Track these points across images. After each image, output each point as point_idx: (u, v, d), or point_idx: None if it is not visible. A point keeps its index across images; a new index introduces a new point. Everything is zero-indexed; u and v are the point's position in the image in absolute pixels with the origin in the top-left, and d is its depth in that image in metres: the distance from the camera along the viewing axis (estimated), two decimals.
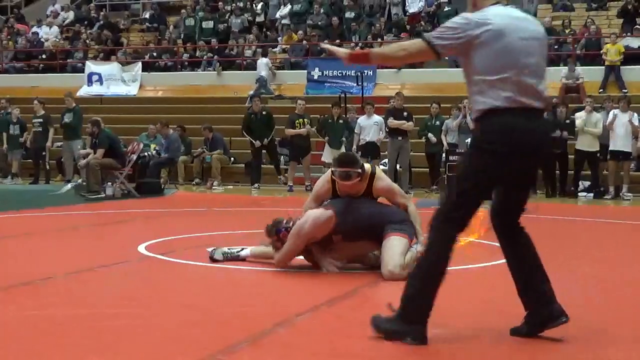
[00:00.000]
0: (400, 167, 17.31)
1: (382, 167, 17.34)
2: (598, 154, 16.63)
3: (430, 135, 17.80)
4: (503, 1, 4.47)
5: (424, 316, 4.33)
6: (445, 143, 17.44)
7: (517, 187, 4.52)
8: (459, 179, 4.48)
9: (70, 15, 30.77)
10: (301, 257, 6.90)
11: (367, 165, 6.91)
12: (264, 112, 18.65)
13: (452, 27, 4.36)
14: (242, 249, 7.23)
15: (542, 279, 4.49)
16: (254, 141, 18.23)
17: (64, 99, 19.48)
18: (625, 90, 20.09)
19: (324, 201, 6.88)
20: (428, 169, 18.11)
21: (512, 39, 4.27)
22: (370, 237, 6.62)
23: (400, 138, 17.25)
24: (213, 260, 7.12)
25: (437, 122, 17.90)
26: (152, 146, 18.09)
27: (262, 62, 23.58)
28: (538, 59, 4.37)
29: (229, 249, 7.24)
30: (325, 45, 5.18)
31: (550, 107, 4.37)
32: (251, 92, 22.84)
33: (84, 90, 24.84)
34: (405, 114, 17.40)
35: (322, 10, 25.92)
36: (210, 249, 7.32)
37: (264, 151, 18.58)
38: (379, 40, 24.35)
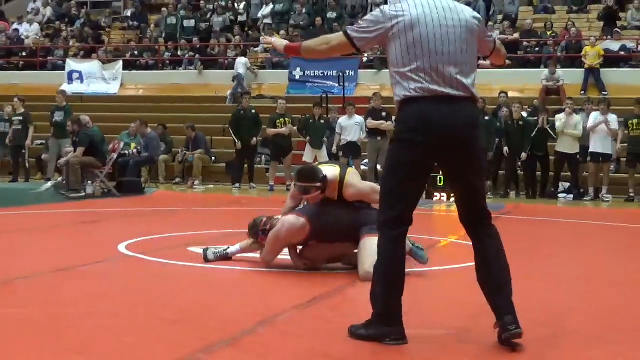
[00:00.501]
0: (381, 167, 17.33)
1: (363, 167, 17.39)
2: (578, 156, 16.72)
3: None
4: None
5: (396, 316, 4.35)
6: None
7: (458, 182, 4.43)
8: (385, 178, 4.46)
9: (51, 12, 30.61)
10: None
11: (334, 173, 6.63)
12: (252, 111, 18.62)
13: (369, 20, 4.41)
14: (229, 247, 7.22)
15: (498, 287, 4.35)
16: (237, 140, 18.20)
17: (56, 97, 19.43)
18: (605, 93, 20.21)
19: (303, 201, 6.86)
20: None
21: (427, 28, 4.24)
22: (345, 239, 6.61)
23: (379, 138, 17.28)
24: (207, 261, 7.08)
25: None
26: (133, 145, 18.03)
27: (241, 61, 23.55)
28: (458, 47, 4.28)
29: (215, 248, 7.22)
30: (266, 38, 5.18)
31: (477, 98, 4.30)
32: (230, 91, 22.83)
33: (65, 88, 24.69)
34: (384, 114, 17.44)
35: (304, 10, 25.92)
36: (201, 250, 7.27)
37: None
38: None
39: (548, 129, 16.73)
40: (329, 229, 6.57)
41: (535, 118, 17.21)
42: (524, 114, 17.32)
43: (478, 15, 4.51)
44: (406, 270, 6.53)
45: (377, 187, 6.65)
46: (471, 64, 4.37)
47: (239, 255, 7.19)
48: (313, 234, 6.56)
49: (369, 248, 6.38)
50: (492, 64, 4.79)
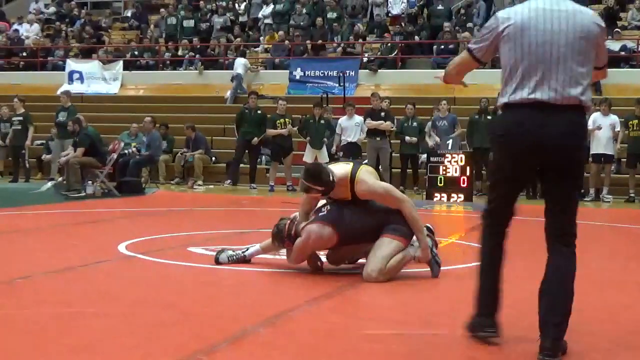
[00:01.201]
0: (380, 168, 17.32)
1: None
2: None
3: (407, 137, 17.71)
4: None
5: (489, 308, 4.41)
6: (430, 143, 17.35)
7: (547, 191, 4.35)
8: (488, 174, 4.62)
9: (52, 12, 30.63)
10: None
11: (345, 170, 6.56)
12: (259, 111, 18.60)
13: (484, 28, 4.44)
14: (247, 248, 7.17)
15: (550, 310, 4.19)
16: (237, 136, 18.27)
17: (60, 97, 19.46)
18: (599, 92, 20.18)
19: (318, 202, 6.79)
20: (408, 170, 18.01)
21: (536, 33, 4.18)
22: (371, 239, 6.51)
23: (378, 139, 17.28)
24: (218, 263, 7.02)
25: (414, 123, 17.86)
26: (133, 144, 18.02)
27: (240, 61, 23.55)
28: (568, 54, 4.18)
29: (233, 251, 7.17)
30: (436, 76, 5.17)
31: (588, 105, 4.30)
32: (230, 92, 22.83)
33: (65, 89, 24.70)
34: (382, 114, 17.44)
35: (304, 11, 25.91)
36: (215, 252, 7.21)
37: (246, 151, 18.50)
38: (361, 40, 24.40)
39: None
40: (355, 233, 6.51)
41: None
42: None
43: (599, 21, 4.35)
44: (408, 270, 6.56)
45: (392, 190, 6.66)
46: (582, 72, 4.23)
47: (259, 256, 7.15)
48: (340, 242, 6.53)
49: (378, 249, 6.38)
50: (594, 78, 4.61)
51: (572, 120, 4.22)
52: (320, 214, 6.62)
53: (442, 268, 6.72)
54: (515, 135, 4.22)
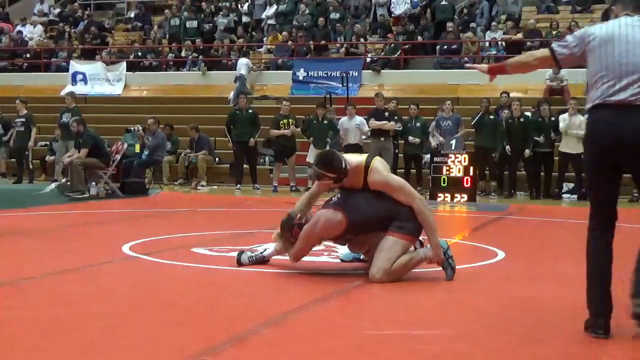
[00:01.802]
0: None
1: None
2: (582, 156, 16.63)
3: (410, 137, 17.71)
4: (631, 13, 4.71)
5: (595, 306, 4.61)
6: (433, 143, 17.33)
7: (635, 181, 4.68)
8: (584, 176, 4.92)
9: (55, 14, 30.66)
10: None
11: (359, 159, 6.64)
12: (249, 111, 18.61)
13: (572, 35, 4.81)
14: (265, 249, 7.17)
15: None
16: (229, 140, 18.33)
17: (64, 98, 19.50)
18: None
19: (323, 190, 6.86)
20: (411, 170, 18.00)
21: (619, 43, 4.59)
22: (382, 229, 6.48)
23: (382, 139, 17.27)
24: (240, 265, 7.00)
25: (418, 124, 17.85)
26: (137, 147, 18.03)
27: (243, 62, 23.57)
28: None
29: (251, 252, 7.17)
30: (469, 65, 5.60)
31: None
32: (234, 92, 22.82)
33: (68, 90, 24.72)
34: (386, 114, 17.43)
35: (307, 11, 25.91)
36: (236, 254, 7.17)
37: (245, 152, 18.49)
38: (362, 40, 24.38)
39: (539, 120, 16.77)
40: (365, 221, 6.49)
41: (539, 118, 17.18)
42: (528, 114, 17.32)
43: None
44: (418, 270, 6.56)
45: (405, 184, 6.66)
46: None
47: (274, 257, 7.14)
48: (350, 229, 6.49)
49: (383, 249, 6.35)
50: None
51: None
52: (330, 202, 6.64)
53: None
54: (596, 133, 4.61)
